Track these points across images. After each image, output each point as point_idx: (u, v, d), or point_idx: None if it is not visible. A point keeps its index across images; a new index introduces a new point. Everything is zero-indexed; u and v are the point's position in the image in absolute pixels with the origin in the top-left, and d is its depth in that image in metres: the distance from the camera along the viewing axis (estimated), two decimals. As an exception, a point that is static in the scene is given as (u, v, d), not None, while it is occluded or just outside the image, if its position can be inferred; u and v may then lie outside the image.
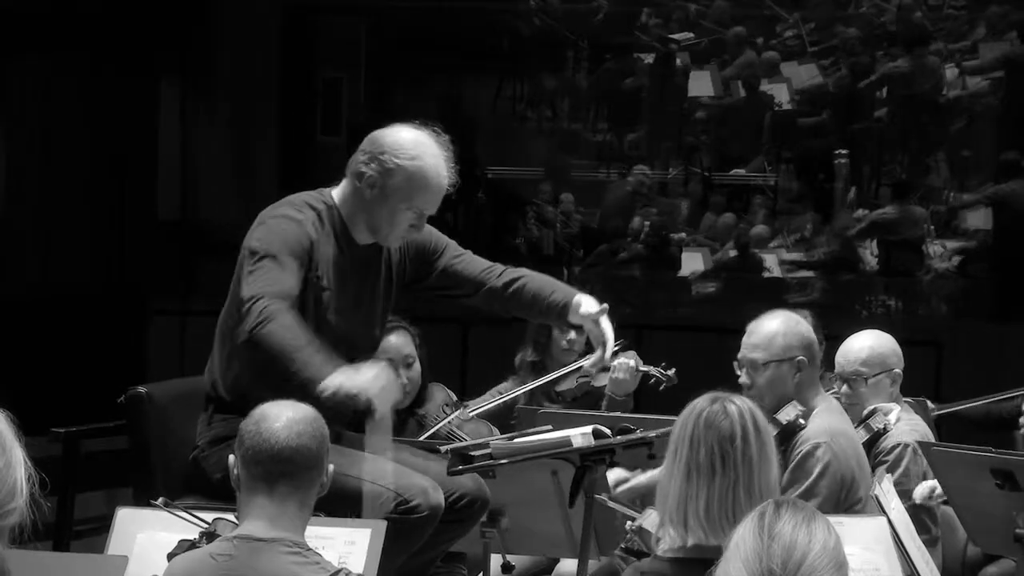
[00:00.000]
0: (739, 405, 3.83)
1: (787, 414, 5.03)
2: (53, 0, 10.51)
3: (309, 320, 4.52)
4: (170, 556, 3.88)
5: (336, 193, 4.76)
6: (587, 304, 4.90)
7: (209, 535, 3.87)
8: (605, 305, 4.93)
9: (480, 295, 4.95)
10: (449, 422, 5.95)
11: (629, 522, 4.57)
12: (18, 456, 2.57)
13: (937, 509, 5.67)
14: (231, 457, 3.76)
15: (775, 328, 5.19)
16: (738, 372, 5.28)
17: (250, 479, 3.67)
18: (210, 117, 12.25)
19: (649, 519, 4.43)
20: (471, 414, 6.25)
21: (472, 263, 4.96)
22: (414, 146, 4.66)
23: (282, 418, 3.69)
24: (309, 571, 3.60)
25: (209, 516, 4.04)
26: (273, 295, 4.41)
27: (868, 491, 5.06)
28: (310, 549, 3.67)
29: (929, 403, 6.42)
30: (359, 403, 4.27)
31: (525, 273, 4.98)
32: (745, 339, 5.23)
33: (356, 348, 4.72)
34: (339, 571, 3.65)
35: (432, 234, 4.91)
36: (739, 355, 5.23)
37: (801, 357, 5.15)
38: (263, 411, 3.74)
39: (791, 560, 2.71)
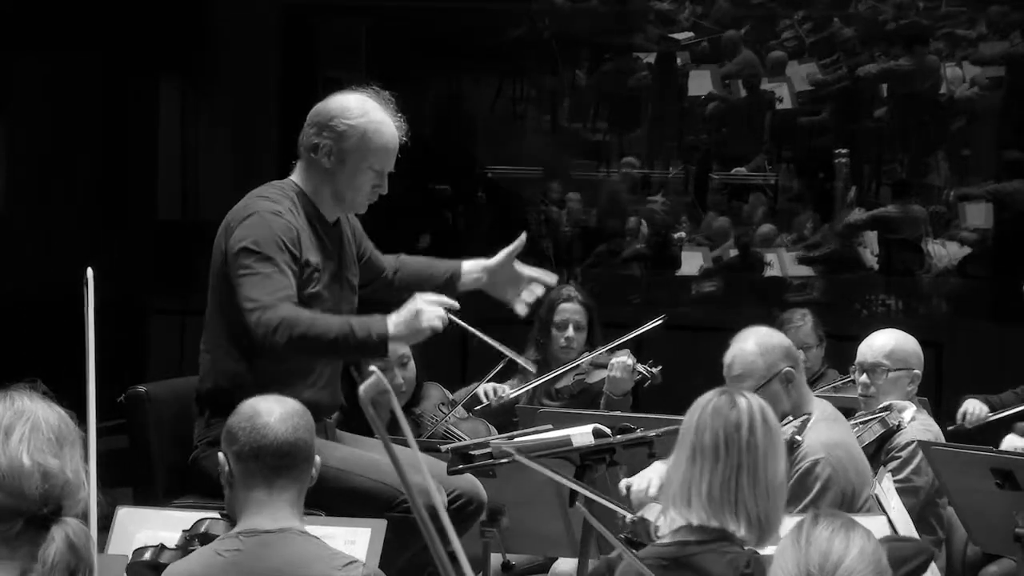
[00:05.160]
0: (749, 399, 3.86)
1: (784, 434, 5.02)
2: (53, 0, 10.51)
3: (304, 299, 4.61)
4: (135, 565, 3.86)
5: (296, 177, 4.82)
6: (472, 264, 5.04)
7: (203, 536, 3.87)
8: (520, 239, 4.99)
9: (377, 285, 5.10)
10: (446, 420, 5.99)
11: (629, 515, 4.57)
12: (80, 447, 2.73)
13: (944, 510, 5.68)
14: (220, 455, 3.76)
15: (751, 350, 5.17)
16: None
17: (247, 475, 3.68)
18: (210, 117, 12.24)
19: (651, 511, 4.44)
20: (475, 409, 6.33)
21: (377, 255, 5.12)
22: (360, 105, 4.74)
23: (275, 412, 3.72)
24: (322, 556, 3.62)
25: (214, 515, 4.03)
26: (278, 300, 4.49)
27: (870, 492, 5.08)
28: (316, 538, 3.69)
29: (982, 406, 6.40)
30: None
31: (403, 258, 5.17)
32: (727, 372, 5.19)
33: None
34: (353, 561, 3.67)
35: (356, 221, 5.04)
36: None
37: (787, 368, 5.15)
38: (253, 407, 3.75)
39: (828, 563, 2.74)
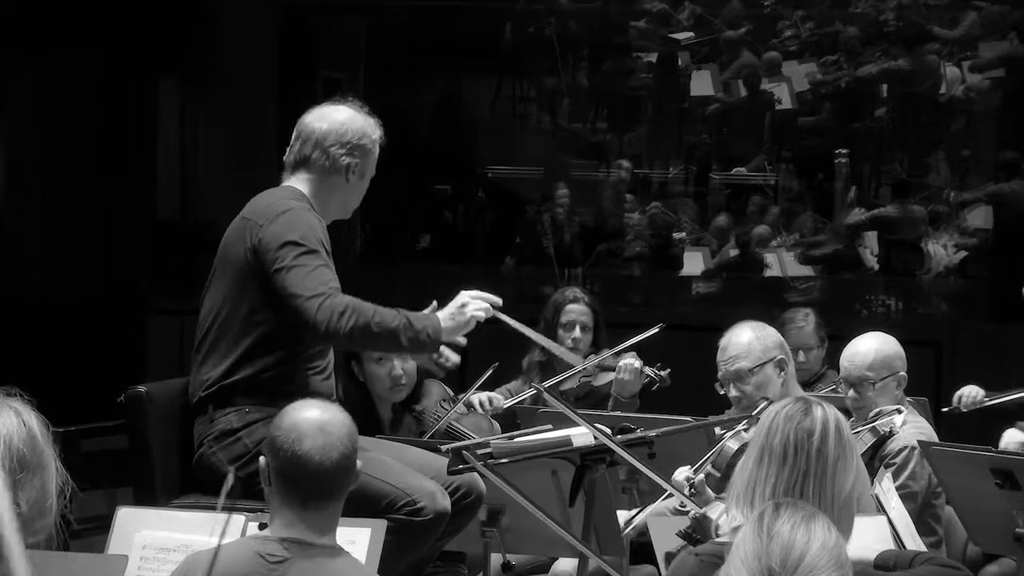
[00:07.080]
0: (825, 409, 3.82)
1: None
2: (53, 0, 10.50)
3: None
4: None
5: (300, 187, 4.89)
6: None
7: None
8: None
9: None
10: (448, 417, 5.99)
11: (695, 510, 4.60)
12: (51, 471, 2.56)
13: (941, 510, 5.68)
14: (262, 459, 3.64)
15: (748, 336, 5.40)
16: (722, 391, 5.39)
17: (285, 491, 3.53)
18: (210, 117, 12.23)
19: (714, 509, 4.45)
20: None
21: None
22: (362, 120, 4.92)
23: (319, 440, 3.54)
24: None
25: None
26: (333, 290, 4.61)
27: (864, 489, 5.08)
28: (359, 562, 3.65)
29: (978, 390, 6.41)
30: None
31: None
32: (721, 356, 5.40)
33: None
34: None
35: None
36: (720, 373, 5.36)
37: (781, 356, 5.35)
38: (298, 429, 3.57)
39: (789, 559, 2.71)
